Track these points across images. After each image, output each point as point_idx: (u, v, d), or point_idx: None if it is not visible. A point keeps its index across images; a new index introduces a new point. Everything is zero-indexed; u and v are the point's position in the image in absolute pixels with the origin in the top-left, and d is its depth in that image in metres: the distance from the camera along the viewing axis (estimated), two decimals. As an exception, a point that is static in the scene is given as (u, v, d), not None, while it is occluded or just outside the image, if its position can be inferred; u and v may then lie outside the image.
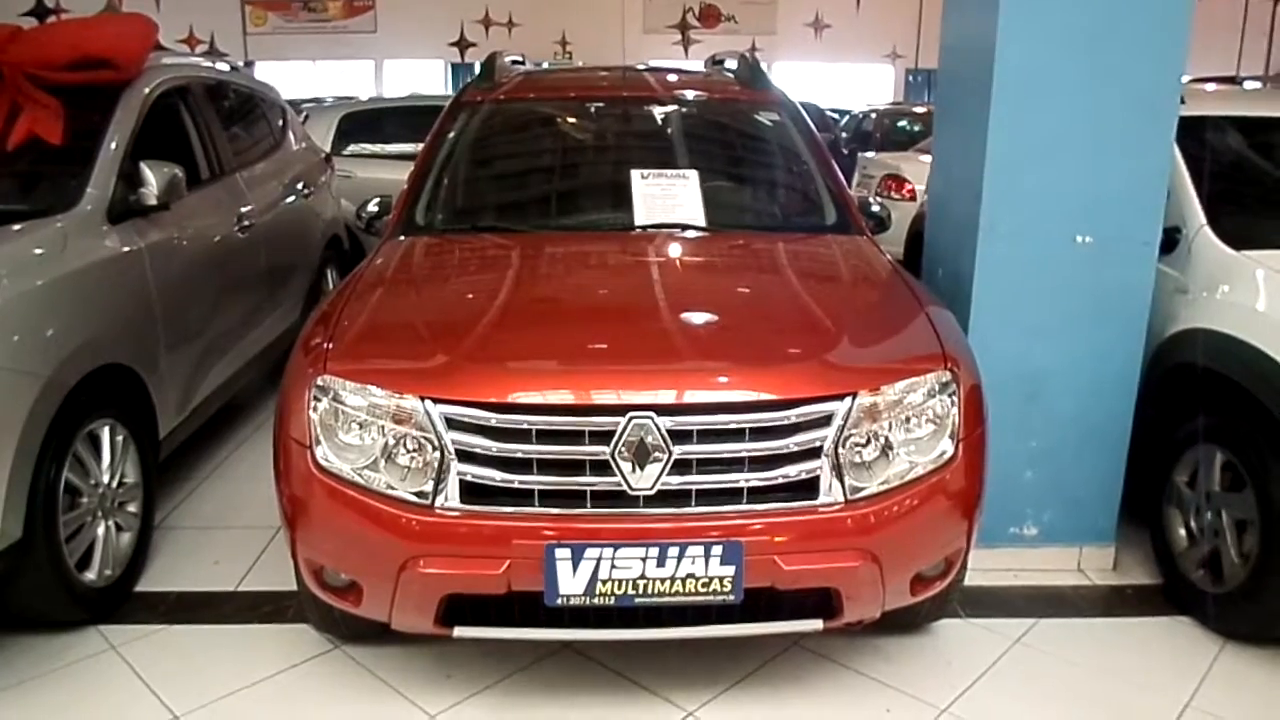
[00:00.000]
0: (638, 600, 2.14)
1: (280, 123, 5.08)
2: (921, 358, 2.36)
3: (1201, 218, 3.23)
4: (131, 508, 3.13)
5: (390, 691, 2.61)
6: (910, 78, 22.86)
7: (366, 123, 6.67)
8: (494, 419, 2.14)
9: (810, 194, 3.38)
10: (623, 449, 2.12)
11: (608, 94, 3.87)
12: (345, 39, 21.66)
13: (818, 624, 2.31)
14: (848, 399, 2.20)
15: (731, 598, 2.15)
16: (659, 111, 3.70)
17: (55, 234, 2.96)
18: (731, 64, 4.26)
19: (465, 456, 2.15)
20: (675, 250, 3.06)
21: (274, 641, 2.86)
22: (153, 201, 3.33)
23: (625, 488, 2.13)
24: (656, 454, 2.12)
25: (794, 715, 2.54)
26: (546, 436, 2.14)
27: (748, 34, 21.41)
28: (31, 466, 2.60)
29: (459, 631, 2.28)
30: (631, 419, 2.12)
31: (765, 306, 2.66)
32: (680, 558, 2.11)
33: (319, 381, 2.28)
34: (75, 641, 2.82)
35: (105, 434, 2.99)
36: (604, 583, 2.12)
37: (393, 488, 2.19)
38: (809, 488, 2.19)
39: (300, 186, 4.98)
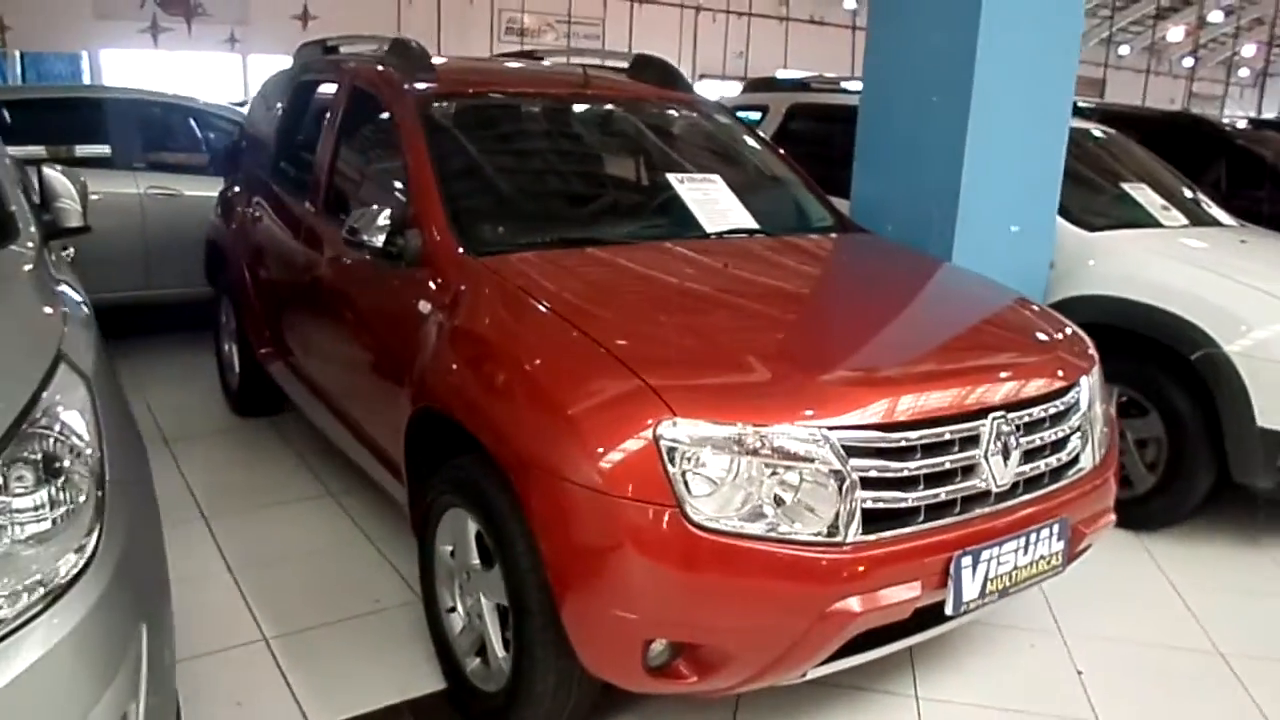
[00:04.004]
0: (1010, 591, 2.20)
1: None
2: (1081, 346, 2.68)
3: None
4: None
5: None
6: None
7: (-4, 113, 4.98)
8: (892, 438, 2.04)
9: (804, 195, 3.49)
10: (991, 449, 2.16)
11: (574, 95, 3.49)
12: None
13: None
14: (1084, 379, 2.49)
15: (1061, 570, 2.33)
16: (641, 116, 3.51)
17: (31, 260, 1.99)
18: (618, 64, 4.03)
19: (866, 483, 2.01)
20: (796, 258, 3.06)
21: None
22: (76, 222, 2.35)
23: (991, 485, 2.17)
24: (1014, 449, 2.20)
25: (989, 686, 2.70)
26: (929, 450, 2.09)
27: (222, 23, 19.65)
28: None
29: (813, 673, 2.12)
30: (994, 419, 2.18)
31: (955, 307, 2.84)
32: (1037, 542, 2.23)
33: (668, 426, 1.93)
34: None
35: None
36: (992, 580, 2.15)
37: (789, 531, 1.95)
38: (1078, 461, 2.43)
39: None
